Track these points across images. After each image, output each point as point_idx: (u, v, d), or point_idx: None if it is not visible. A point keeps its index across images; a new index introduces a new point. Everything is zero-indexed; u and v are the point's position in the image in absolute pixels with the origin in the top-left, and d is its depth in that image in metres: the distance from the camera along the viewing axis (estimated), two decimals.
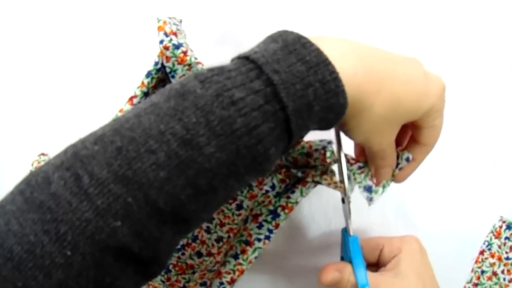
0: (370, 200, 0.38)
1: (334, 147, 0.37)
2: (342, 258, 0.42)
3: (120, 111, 0.40)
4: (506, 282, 0.51)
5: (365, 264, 0.40)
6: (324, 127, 0.30)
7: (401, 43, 0.51)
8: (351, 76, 0.28)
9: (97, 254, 0.24)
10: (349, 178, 0.38)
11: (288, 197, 0.40)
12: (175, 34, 0.39)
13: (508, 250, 0.52)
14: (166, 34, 0.38)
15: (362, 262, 0.39)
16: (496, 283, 0.52)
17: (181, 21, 0.42)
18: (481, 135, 0.52)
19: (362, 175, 0.38)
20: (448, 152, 0.52)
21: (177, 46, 0.38)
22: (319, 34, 0.30)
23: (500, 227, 0.52)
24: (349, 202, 0.39)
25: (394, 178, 0.39)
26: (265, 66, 0.27)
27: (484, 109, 0.52)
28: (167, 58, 0.38)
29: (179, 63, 0.38)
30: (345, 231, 0.40)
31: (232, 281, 0.41)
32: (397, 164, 0.38)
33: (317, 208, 0.51)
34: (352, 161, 0.39)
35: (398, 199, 0.51)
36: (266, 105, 0.26)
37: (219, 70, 0.27)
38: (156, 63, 0.39)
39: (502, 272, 0.52)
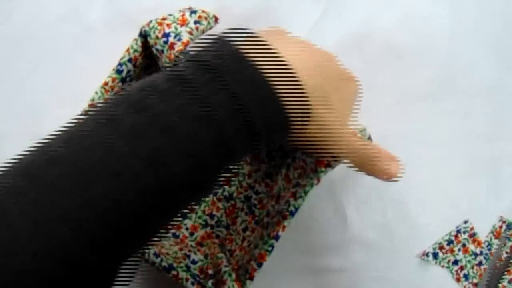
0: None
1: None
2: None
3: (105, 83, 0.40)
4: (506, 282, 0.51)
5: None
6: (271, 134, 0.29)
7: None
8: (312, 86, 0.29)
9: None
10: None
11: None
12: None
13: (508, 250, 0.52)
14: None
15: None
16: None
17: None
18: (481, 134, 0.52)
19: None
20: (448, 152, 0.52)
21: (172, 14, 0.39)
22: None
23: (500, 227, 0.52)
24: None
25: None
26: (225, 76, 0.26)
27: (483, 109, 0.52)
28: (168, 25, 0.38)
29: (181, 25, 0.38)
30: None
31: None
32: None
33: (318, 208, 0.51)
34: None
35: (398, 199, 0.51)
36: (233, 119, 0.26)
37: (178, 80, 0.26)
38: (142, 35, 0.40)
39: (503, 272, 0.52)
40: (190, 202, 0.28)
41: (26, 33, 0.50)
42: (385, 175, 0.33)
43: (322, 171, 0.38)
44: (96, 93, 0.41)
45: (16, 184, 0.23)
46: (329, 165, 0.37)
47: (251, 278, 0.40)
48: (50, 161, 0.24)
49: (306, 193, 0.39)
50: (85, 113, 0.40)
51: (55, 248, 0.22)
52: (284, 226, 0.39)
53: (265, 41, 0.28)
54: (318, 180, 0.38)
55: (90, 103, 0.41)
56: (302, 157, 0.40)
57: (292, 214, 0.39)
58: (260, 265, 0.39)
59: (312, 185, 0.39)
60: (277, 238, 0.39)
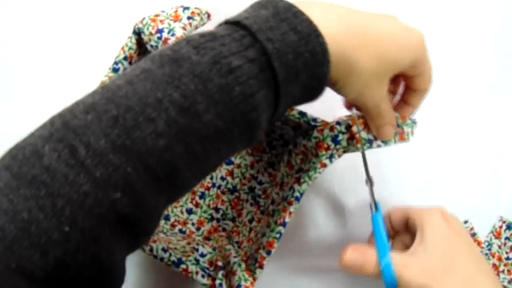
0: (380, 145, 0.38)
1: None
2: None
3: (101, 83, 0.40)
4: (506, 282, 0.51)
5: (390, 242, 0.39)
6: (308, 95, 0.31)
7: None
8: (334, 36, 0.29)
9: (96, 229, 0.23)
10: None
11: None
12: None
13: (508, 250, 0.52)
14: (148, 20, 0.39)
15: (385, 242, 0.38)
16: None
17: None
18: (481, 134, 0.52)
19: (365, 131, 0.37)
20: (448, 151, 0.52)
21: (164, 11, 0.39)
22: None
23: (500, 227, 0.52)
24: (372, 183, 0.40)
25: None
26: (259, 33, 0.27)
27: (484, 109, 0.52)
28: (161, 21, 0.38)
29: (174, 21, 0.38)
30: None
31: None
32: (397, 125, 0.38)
33: (317, 208, 0.51)
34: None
35: (398, 199, 0.51)
36: (261, 74, 0.27)
37: (212, 36, 0.27)
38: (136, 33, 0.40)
39: (503, 272, 0.52)
40: (221, 154, 0.28)
41: (26, 33, 0.50)
42: (378, 134, 0.37)
43: (323, 155, 0.38)
44: None
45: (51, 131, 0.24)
46: (328, 148, 0.37)
47: (261, 267, 0.39)
48: (85, 109, 0.25)
49: (310, 177, 0.39)
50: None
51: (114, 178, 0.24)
52: (290, 212, 0.39)
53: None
54: (322, 165, 0.38)
55: None
56: (303, 142, 0.40)
57: (298, 199, 0.39)
58: (269, 252, 0.39)
59: (315, 169, 0.38)
60: (284, 224, 0.39)
